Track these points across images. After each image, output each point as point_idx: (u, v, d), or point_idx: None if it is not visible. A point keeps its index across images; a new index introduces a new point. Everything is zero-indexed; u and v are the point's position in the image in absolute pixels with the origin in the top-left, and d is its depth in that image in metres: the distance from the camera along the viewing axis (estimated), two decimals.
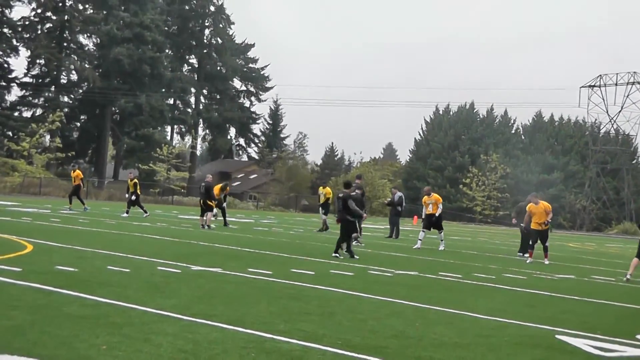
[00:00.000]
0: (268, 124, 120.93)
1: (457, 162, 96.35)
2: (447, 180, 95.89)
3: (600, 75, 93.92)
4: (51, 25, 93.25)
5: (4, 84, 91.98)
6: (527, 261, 23.72)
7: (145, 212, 36.33)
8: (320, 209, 35.09)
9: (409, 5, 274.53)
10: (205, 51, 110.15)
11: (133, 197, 36.06)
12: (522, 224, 25.75)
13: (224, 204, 34.93)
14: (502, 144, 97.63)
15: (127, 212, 35.75)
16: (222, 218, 34.38)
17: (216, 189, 33.52)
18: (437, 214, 27.18)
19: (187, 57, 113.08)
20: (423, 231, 27.29)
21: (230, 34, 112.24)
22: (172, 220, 36.52)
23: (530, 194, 25.15)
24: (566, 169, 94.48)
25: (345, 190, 21.54)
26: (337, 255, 20.10)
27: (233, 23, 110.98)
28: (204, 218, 31.07)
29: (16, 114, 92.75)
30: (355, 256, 20.21)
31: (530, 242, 24.15)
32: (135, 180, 36.76)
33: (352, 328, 9.47)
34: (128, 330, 8.26)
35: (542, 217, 23.74)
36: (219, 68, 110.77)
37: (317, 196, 36.23)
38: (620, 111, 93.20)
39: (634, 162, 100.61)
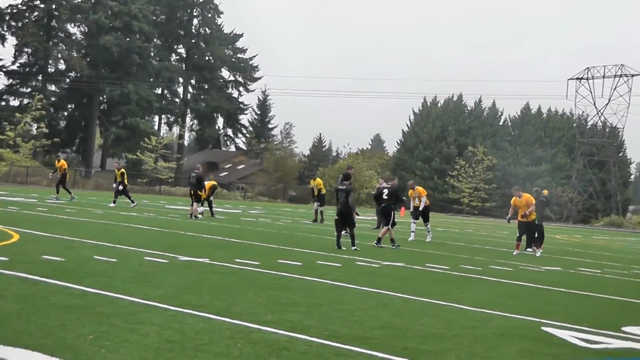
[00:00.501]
0: (256, 114, 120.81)
1: (444, 154, 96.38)
2: (435, 171, 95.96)
3: (588, 67, 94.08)
4: (39, 13, 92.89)
5: None
6: (514, 253, 23.79)
7: (133, 201, 36.25)
8: (314, 201, 35.17)
9: None
10: (193, 41, 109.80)
11: (120, 187, 35.97)
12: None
13: (211, 198, 34.77)
14: (490, 135, 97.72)
15: (114, 202, 35.65)
16: (207, 210, 34.18)
17: (207, 186, 33.28)
18: (420, 208, 27.30)
19: (175, 46, 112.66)
20: (413, 222, 27.49)
21: (219, 23, 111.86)
22: (159, 210, 36.45)
23: (514, 187, 25.23)
24: (554, 161, 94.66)
25: (345, 183, 21.67)
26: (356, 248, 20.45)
27: (222, 13, 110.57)
28: (192, 208, 31.06)
29: (3, 103, 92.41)
30: (342, 247, 20.28)
31: (518, 235, 24.20)
32: (123, 169, 36.62)
33: (339, 319, 9.49)
34: (115, 320, 8.26)
35: (525, 210, 23.87)
36: (207, 58, 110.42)
37: (310, 190, 36.07)
38: (607, 104, 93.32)
39: (620, 154, 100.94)
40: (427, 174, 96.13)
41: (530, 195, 24.74)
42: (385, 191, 23.61)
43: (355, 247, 20.40)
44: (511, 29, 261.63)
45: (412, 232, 26.95)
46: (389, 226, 22.72)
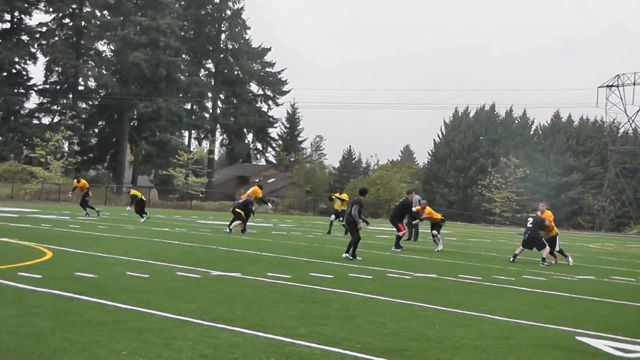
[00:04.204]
0: (285, 127, 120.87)
1: (479, 163, 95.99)
2: (469, 181, 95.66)
3: (618, 75, 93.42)
4: (68, 31, 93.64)
5: (22, 91, 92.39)
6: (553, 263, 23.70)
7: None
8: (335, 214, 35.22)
9: (426, 11, 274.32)
10: (222, 56, 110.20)
11: (128, 208, 37.09)
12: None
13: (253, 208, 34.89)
14: (521, 145, 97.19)
15: (142, 217, 36.06)
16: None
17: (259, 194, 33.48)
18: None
19: (203, 61, 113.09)
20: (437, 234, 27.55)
21: (247, 38, 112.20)
22: (191, 225, 36.58)
23: (540, 203, 25.16)
24: (586, 170, 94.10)
25: (357, 197, 21.73)
26: (348, 255, 20.36)
27: (249, 27, 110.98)
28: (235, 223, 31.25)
29: (35, 121, 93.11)
30: (358, 257, 20.42)
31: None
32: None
33: (372, 331, 9.48)
34: (148, 335, 8.29)
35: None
36: (235, 72, 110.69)
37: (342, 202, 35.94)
38: (638, 110, 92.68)
39: None
40: (462, 183, 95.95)
41: (550, 212, 24.55)
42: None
43: (347, 255, 20.44)
44: (542, 39, 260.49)
45: (438, 241, 27.02)
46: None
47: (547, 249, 23.15)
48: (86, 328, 8.51)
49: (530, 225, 23.52)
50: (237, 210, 31.34)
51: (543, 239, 23.32)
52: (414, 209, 28.31)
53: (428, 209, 27.84)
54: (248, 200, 32.05)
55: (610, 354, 8.98)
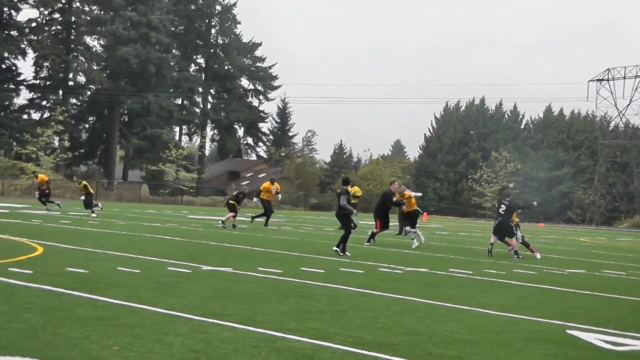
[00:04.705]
0: (276, 122, 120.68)
1: (469, 158, 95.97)
2: (460, 175, 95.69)
3: (608, 68, 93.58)
4: (58, 26, 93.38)
5: (12, 86, 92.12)
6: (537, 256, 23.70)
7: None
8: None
9: (418, 6, 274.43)
10: (212, 51, 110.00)
11: (83, 197, 36.65)
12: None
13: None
14: (511, 139, 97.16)
15: (92, 212, 35.79)
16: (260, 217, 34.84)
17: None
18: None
19: (194, 56, 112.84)
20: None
21: (237, 33, 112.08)
22: (182, 220, 36.56)
23: (510, 184, 25.23)
24: (576, 164, 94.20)
25: (342, 187, 21.68)
26: (338, 250, 20.23)
27: (239, 22, 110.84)
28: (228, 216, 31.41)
29: (24, 116, 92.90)
30: (347, 253, 20.29)
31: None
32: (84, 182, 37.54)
33: (363, 326, 9.49)
34: (139, 330, 8.29)
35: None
36: (226, 67, 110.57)
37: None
38: (628, 104, 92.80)
39: None
40: (452, 178, 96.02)
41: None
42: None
43: (336, 249, 20.24)
44: (532, 34, 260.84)
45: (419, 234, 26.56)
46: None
47: (515, 239, 23.09)
48: (77, 323, 8.50)
49: (503, 212, 23.31)
50: (232, 202, 31.57)
51: (512, 227, 23.26)
52: (394, 199, 27.60)
53: (407, 192, 26.95)
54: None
55: (600, 347, 9.00)
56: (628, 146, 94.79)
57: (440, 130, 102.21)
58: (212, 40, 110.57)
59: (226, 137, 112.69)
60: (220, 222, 31.46)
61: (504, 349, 8.60)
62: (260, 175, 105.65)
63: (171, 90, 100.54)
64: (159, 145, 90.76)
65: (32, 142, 74.90)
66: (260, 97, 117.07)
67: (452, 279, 16.03)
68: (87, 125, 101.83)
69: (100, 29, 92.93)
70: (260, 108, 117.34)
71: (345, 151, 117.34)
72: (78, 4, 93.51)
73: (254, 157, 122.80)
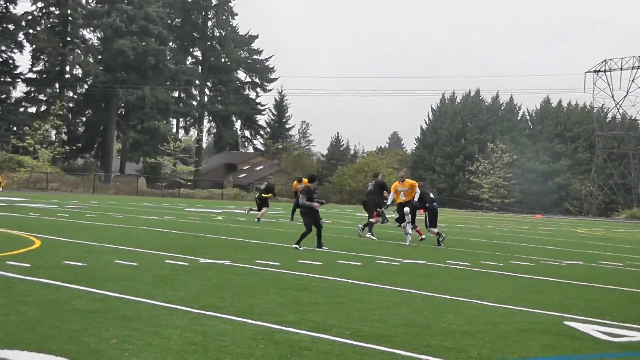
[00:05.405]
0: (273, 115, 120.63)
1: (467, 150, 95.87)
2: (456, 167, 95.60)
3: (605, 60, 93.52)
4: (54, 19, 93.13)
5: (9, 80, 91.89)
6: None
7: None
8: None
9: None
10: (208, 43, 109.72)
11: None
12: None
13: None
14: (508, 130, 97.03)
15: None
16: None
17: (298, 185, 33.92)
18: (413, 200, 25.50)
19: (190, 49, 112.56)
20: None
21: (234, 25, 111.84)
22: (179, 213, 36.56)
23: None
24: (574, 156, 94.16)
25: (308, 184, 21.54)
26: (298, 247, 19.45)
27: (236, 14, 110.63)
28: (261, 212, 32.17)
29: (21, 110, 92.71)
30: (324, 247, 19.91)
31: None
32: None
33: (361, 318, 9.50)
34: (137, 323, 8.30)
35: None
36: (223, 60, 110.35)
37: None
38: (625, 96, 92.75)
39: None
40: (449, 170, 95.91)
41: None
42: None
43: (296, 246, 19.42)
44: (531, 25, 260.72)
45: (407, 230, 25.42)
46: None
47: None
48: (75, 316, 8.50)
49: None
50: (265, 196, 32.43)
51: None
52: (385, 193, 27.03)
53: (408, 181, 25.82)
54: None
55: (598, 339, 9.01)
56: (625, 137, 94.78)
57: (436, 122, 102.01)
58: (208, 33, 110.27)
59: (223, 130, 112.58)
60: (256, 219, 32.07)
61: (502, 340, 8.61)
62: (258, 168, 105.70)
63: (168, 83, 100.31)
64: (156, 138, 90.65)
65: (29, 135, 74.84)
66: (257, 89, 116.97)
67: (449, 270, 16.04)
68: (84, 118, 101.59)
69: (96, 22, 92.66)
70: (257, 100, 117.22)
71: (342, 143, 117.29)
72: None
73: (251, 149, 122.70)
